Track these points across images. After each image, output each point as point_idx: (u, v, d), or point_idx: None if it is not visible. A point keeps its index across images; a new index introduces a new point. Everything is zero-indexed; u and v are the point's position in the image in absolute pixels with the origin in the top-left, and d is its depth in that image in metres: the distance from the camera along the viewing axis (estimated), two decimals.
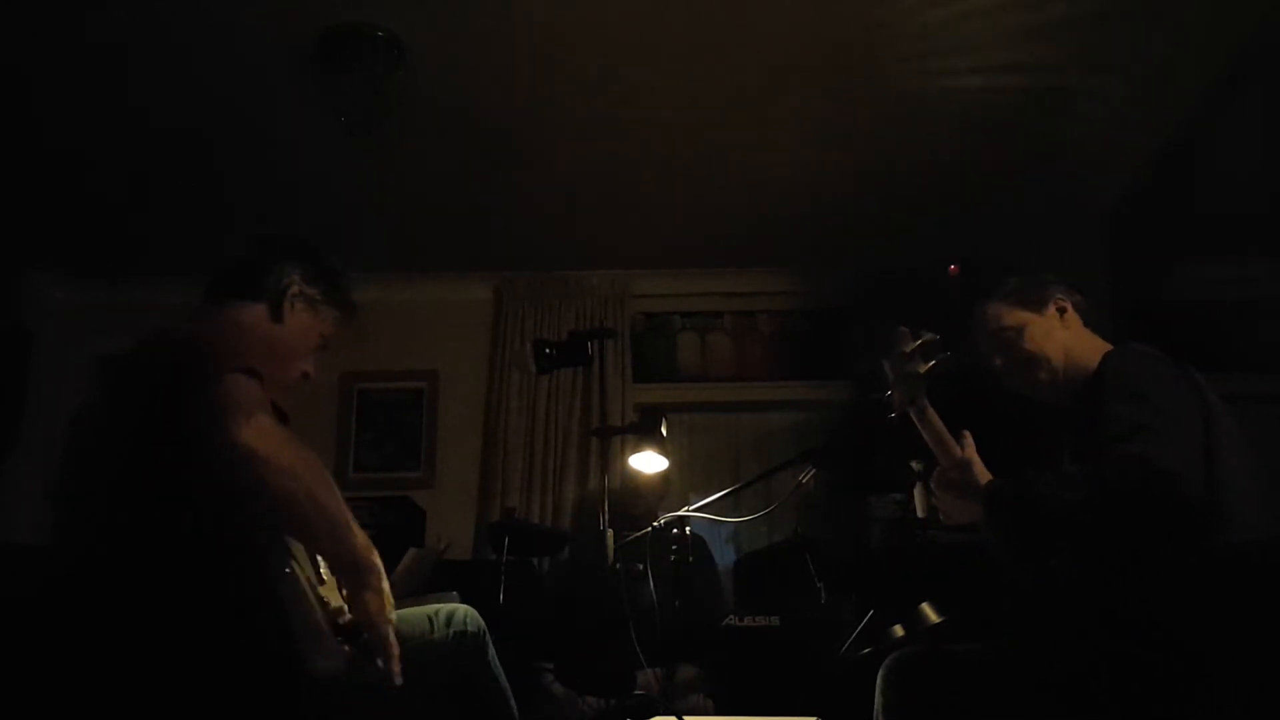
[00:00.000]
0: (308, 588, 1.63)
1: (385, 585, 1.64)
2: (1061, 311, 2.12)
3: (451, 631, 2.05)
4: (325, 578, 1.74)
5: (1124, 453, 1.70)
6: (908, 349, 2.03)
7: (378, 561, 1.63)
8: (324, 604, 1.65)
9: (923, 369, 2.02)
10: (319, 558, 1.75)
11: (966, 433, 1.98)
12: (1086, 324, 2.14)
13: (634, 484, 3.87)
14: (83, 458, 1.81)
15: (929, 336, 2.04)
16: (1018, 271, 2.22)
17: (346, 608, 1.68)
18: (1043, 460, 2.09)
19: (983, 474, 1.92)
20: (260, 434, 1.53)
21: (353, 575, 1.61)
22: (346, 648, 1.64)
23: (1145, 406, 1.77)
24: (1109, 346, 2.07)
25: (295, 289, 1.97)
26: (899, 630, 2.59)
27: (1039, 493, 1.79)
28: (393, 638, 1.63)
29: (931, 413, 2.02)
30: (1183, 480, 1.66)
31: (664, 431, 2.83)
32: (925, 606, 2.57)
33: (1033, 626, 1.88)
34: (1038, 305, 2.13)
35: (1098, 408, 1.85)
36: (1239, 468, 1.80)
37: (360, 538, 1.61)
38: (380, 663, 1.62)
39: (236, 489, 1.55)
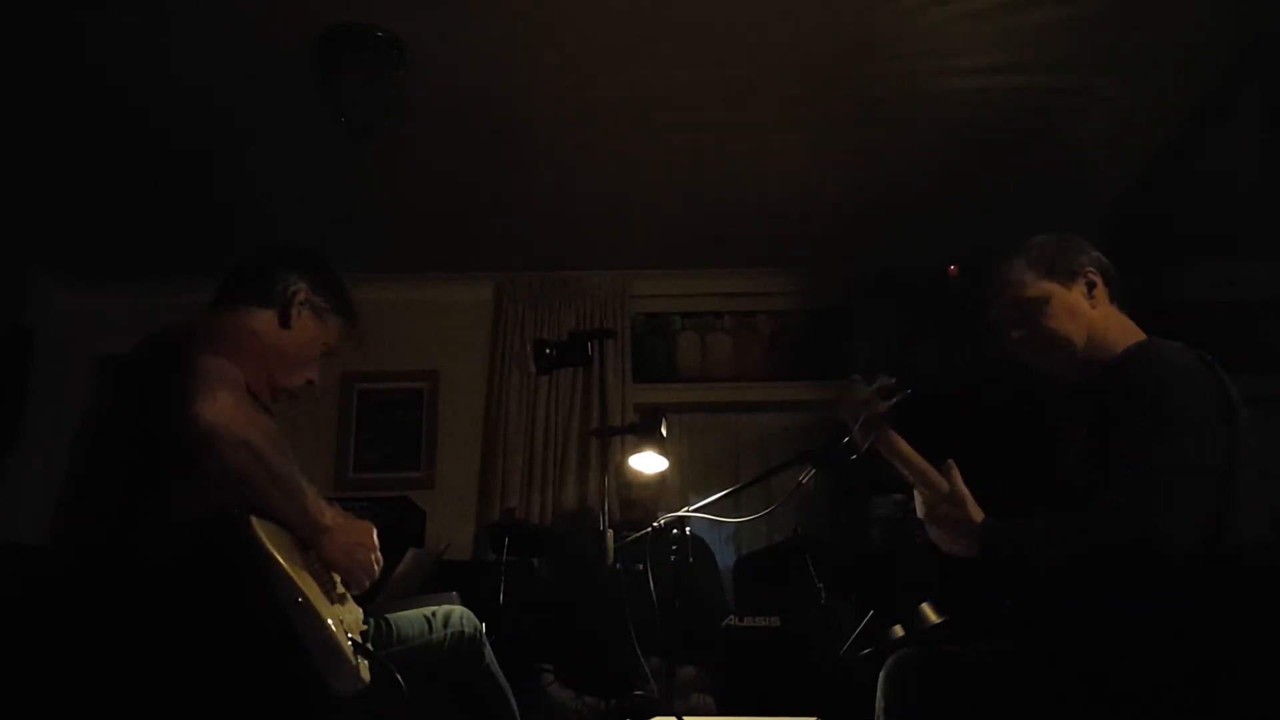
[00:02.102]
0: (321, 611, 1.65)
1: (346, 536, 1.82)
2: (1091, 286, 1.94)
3: (449, 633, 2.06)
4: (337, 597, 1.78)
5: (1122, 512, 1.63)
6: (863, 396, 1.99)
7: (329, 521, 1.78)
8: (340, 623, 1.68)
9: (882, 409, 1.97)
10: (334, 576, 1.79)
11: (951, 462, 1.89)
12: (1113, 300, 1.96)
13: (634, 484, 3.86)
14: (86, 458, 1.82)
15: (884, 380, 2.00)
16: (1047, 232, 2.02)
17: (361, 619, 1.80)
18: (1045, 458, 2.03)
19: (975, 513, 1.82)
20: (218, 409, 1.58)
21: (311, 534, 1.75)
22: (363, 662, 1.69)
23: (1166, 436, 1.67)
24: (1135, 329, 1.93)
25: (302, 296, 2.02)
26: (899, 630, 2.59)
27: (1032, 545, 1.73)
28: (362, 574, 1.83)
29: (901, 443, 1.96)
30: (1176, 541, 1.59)
31: (664, 431, 2.83)
32: (925, 606, 2.57)
33: (1032, 627, 1.87)
34: (1067, 276, 1.94)
35: (1115, 408, 1.75)
36: (1254, 473, 1.75)
37: (310, 495, 1.74)
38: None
39: (197, 463, 1.60)
